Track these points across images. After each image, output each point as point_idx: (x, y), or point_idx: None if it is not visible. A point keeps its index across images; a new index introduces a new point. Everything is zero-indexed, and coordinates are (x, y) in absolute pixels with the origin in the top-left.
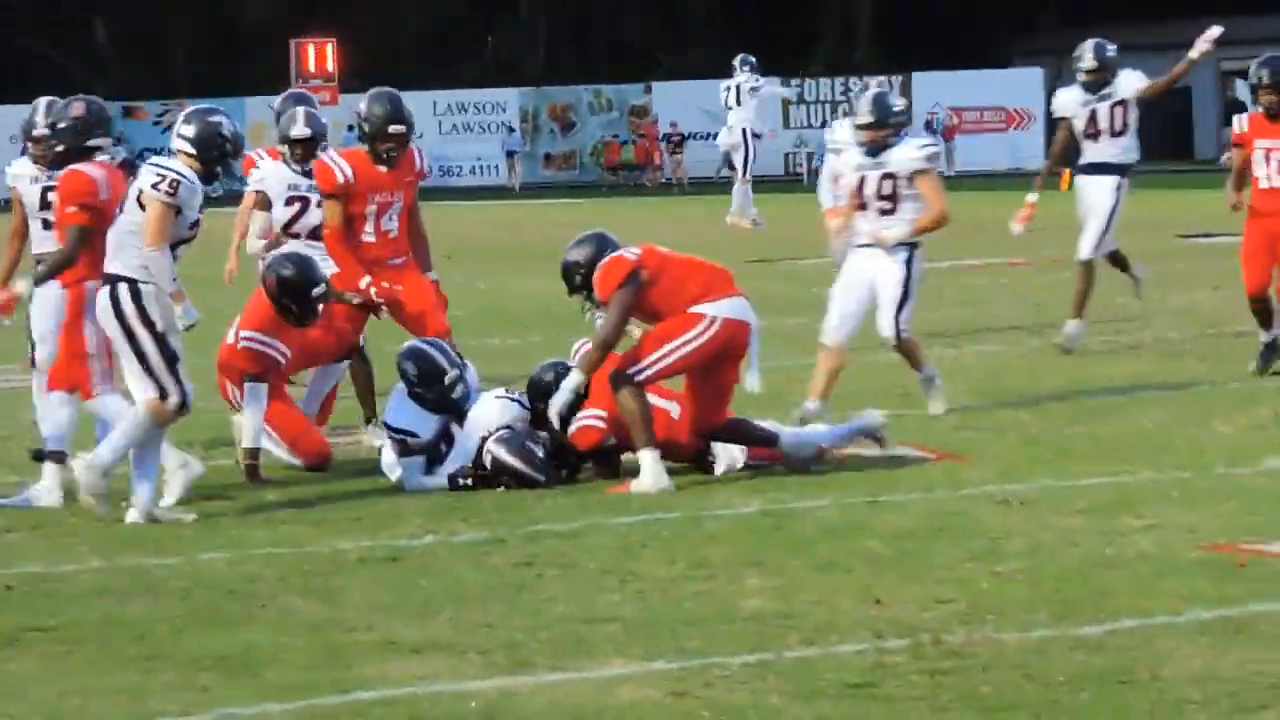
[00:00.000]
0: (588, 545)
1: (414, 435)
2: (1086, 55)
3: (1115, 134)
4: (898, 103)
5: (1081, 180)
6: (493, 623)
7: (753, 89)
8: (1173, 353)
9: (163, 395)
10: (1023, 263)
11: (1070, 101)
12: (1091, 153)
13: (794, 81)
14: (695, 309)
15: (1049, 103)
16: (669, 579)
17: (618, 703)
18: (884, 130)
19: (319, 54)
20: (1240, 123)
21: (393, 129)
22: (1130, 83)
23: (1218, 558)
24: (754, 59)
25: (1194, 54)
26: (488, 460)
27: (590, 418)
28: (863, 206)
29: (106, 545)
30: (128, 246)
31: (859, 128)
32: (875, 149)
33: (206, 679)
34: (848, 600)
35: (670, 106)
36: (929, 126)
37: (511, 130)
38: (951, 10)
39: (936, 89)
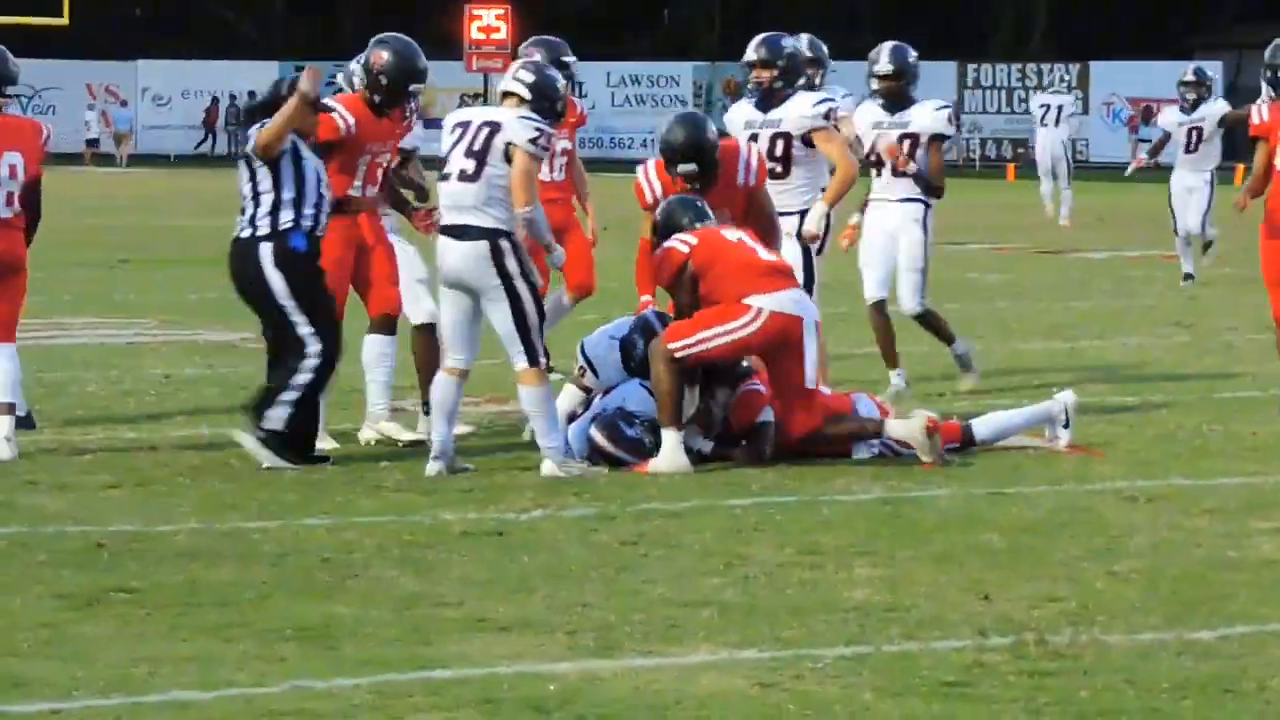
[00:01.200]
0: (697, 526)
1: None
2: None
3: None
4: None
5: None
6: (588, 602)
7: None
8: None
9: (533, 359)
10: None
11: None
12: None
13: (970, 67)
14: (746, 300)
15: (1228, 96)
16: (775, 564)
17: (699, 692)
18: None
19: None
20: (1260, 111)
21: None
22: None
23: None
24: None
25: None
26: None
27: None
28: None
29: (208, 507)
30: (497, 200)
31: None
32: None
33: (284, 649)
34: (956, 594)
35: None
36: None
37: (684, 104)
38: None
39: (1115, 80)
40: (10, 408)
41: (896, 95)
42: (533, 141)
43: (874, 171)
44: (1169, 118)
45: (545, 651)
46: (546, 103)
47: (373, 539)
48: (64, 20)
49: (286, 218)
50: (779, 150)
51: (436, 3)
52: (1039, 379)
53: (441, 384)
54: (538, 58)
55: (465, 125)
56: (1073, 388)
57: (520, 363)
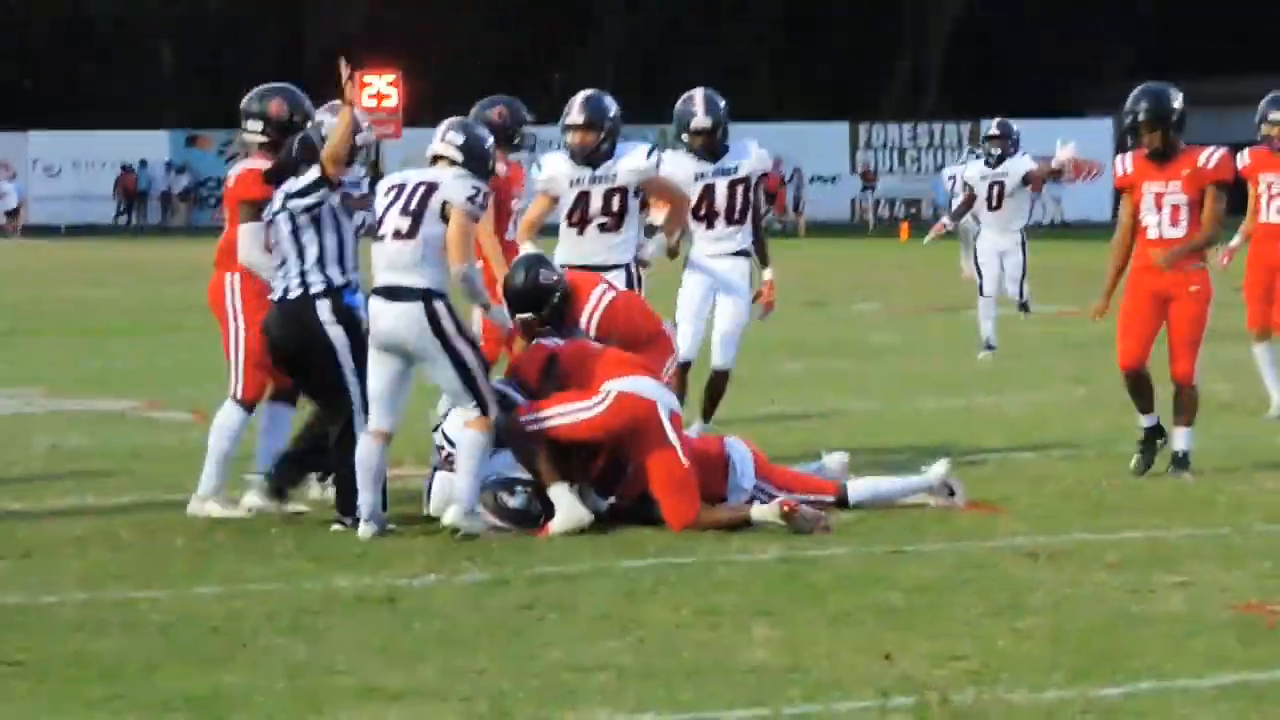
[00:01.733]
0: (593, 588)
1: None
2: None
3: None
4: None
5: None
6: (482, 669)
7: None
8: (1223, 406)
9: (484, 410)
10: (1074, 311)
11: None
12: None
13: (862, 127)
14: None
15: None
16: (672, 626)
17: None
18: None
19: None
20: (1123, 163)
21: None
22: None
23: (1249, 618)
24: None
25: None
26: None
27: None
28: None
29: (94, 576)
30: (433, 260)
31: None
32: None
33: None
34: (857, 654)
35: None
36: None
37: None
38: (1020, 59)
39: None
40: None
41: (715, 146)
42: (470, 200)
43: (704, 225)
44: (972, 172)
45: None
46: (477, 162)
47: (263, 607)
48: None
49: (337, 273)
50: (614, 205)
51: (326, 69)
52: (935, 436)
53: (368, 448)
54: (467, 118)
55: (400, 187)
56: (970, 444)
57: (474, 414)
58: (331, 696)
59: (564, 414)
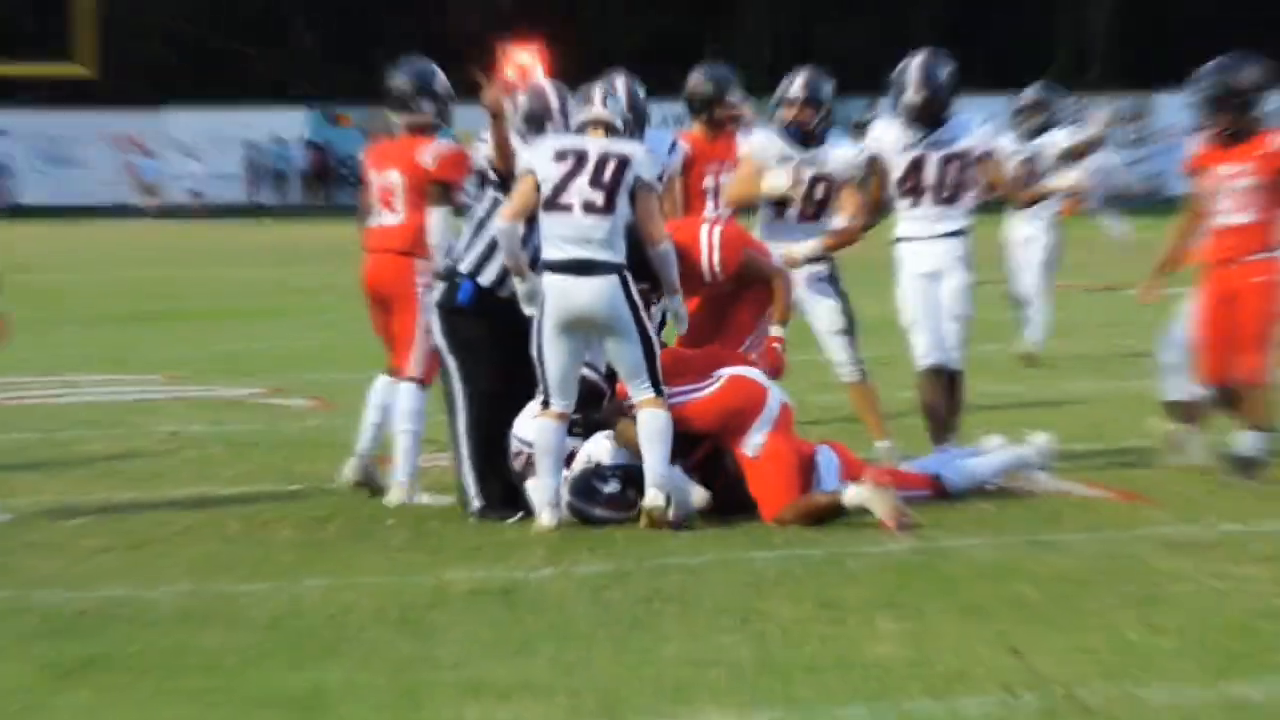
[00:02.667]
0: (715, 581)
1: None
2: None
3: None
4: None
5: None
6: (594, 663)
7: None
8: None
9: (659, 389)
10: None
11: None
12: None
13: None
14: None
15: None
16: (794, 620)
17: None
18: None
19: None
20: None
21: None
22: None
23: None
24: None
25: None
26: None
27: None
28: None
29: (202, 569)
30: (621, 236)
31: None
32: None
33: (267, 718)
34: (984, 649)
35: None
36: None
37: None
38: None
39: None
40: None
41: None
42: (658, 179)
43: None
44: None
45: (544, 715)
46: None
47: (371, 600)
48: (89, 71)
49: (470, 261)
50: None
51: (477, 44)
52: (1084, 421)
53: (549, 430)
54: (620, 82)
55: (578, 155)
56: (1119, 430)
57: (648, 394)
58: (434, 692)
59: (673, 395)
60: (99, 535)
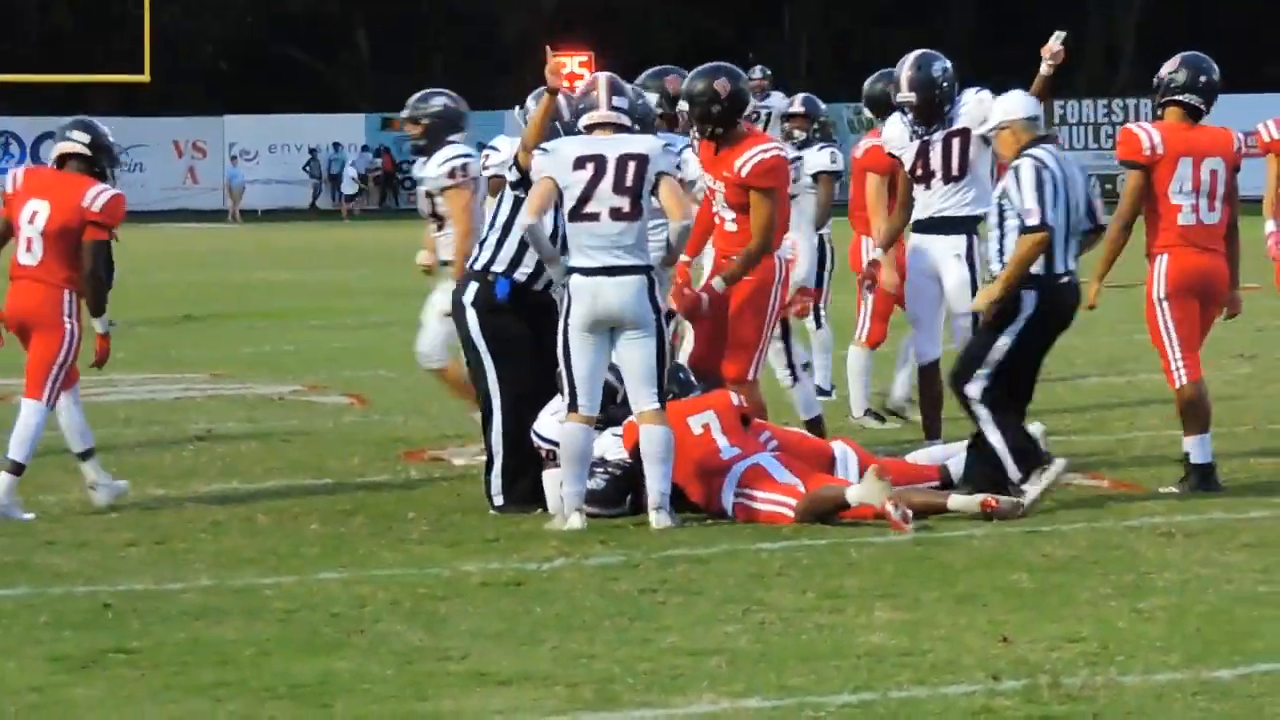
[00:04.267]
0: (721, 571)
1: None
2: None
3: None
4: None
5: None
6: (595, 653)
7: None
8: None
9: (663, 400)
10: (1255, 287)
11: None
12: None
13: (1056, 104)
14: None
15: None
16: (794, 609)
17: None
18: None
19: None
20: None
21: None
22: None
23: None
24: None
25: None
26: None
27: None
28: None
29: (224, 563)
30: (645, 236)
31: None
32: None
33: (275, 708)
34: (975, 637)
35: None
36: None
37: None
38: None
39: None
40: (17, 466)
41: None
42: (677, 166)
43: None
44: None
45: (542, 705)
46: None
47: (387, 593)
48: (145, 78)
49: (499, 260)
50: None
51: (523, 50)
52: (1093, 414)
53: (578, 434)
54: (615, 77)
55: (597, 160)
56: (1128, 421)
57: (652, 404)
58: (439, 682)
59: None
60: (125, 531)
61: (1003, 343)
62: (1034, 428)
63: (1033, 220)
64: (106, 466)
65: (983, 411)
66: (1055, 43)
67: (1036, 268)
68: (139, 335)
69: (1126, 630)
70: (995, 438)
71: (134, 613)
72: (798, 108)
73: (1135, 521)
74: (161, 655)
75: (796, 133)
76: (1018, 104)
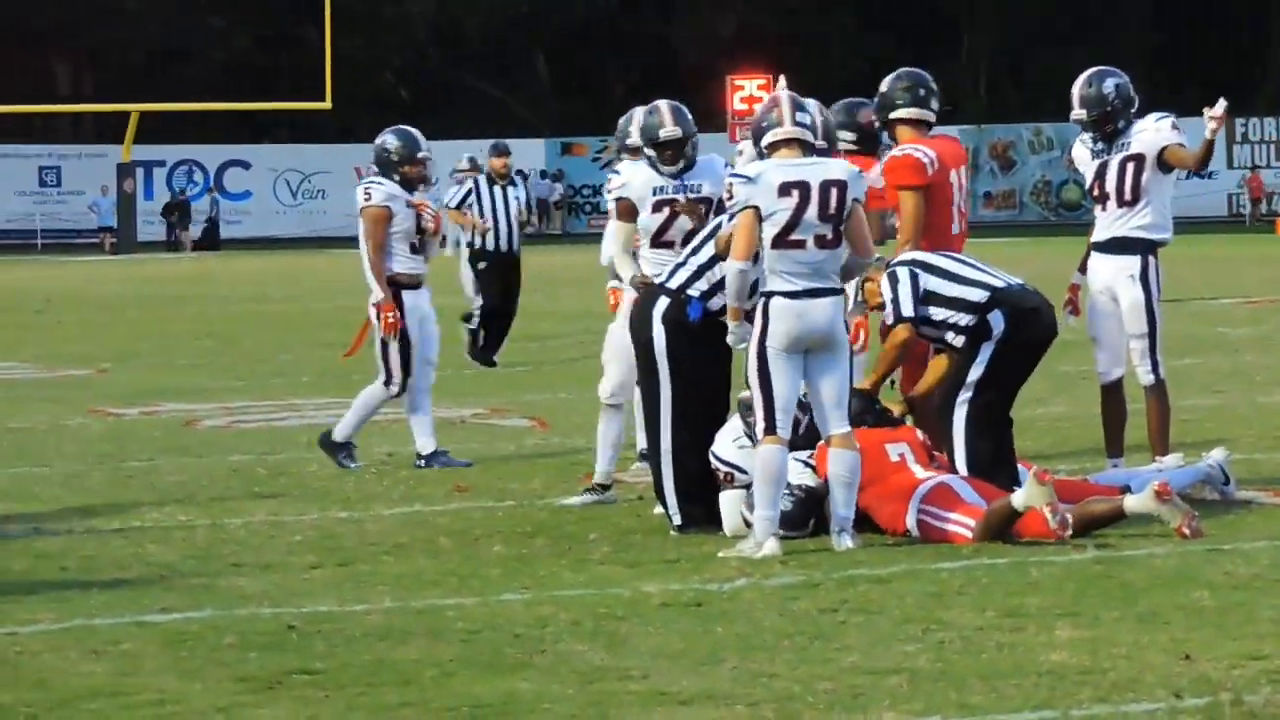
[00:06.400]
0: (901, 591)
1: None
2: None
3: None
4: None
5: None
6: (776, 673)
7: None
8: None
9: (853, 422)
10: None
11: None
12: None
13: (1239, 121)
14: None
15: None
16: (974, 628)
17: None
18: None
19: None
20: None
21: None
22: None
23: None
24: None
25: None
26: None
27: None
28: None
29: (407, 584)
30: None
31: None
32: None
33: None
34: (1157, 655)
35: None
36: None
37: None
38: None
39: None
40: None
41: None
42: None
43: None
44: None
45: None
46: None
47: (569, 613)
48: (327, 104)
49: (698, 283)
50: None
51: (702, 75)
52: (1277, 432)
53: (773, 456)
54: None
55: (802, 186)
56: None
57: (843, 427)
58: (620, 701)
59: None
60: (308, 553)
61: (980, 361)
62: (1217, 452)
63: (888, 322)
64: (289, 490)
65: (960, 432)
66: (1219, 109)
67: (982, 292)
68: (321, 359)
69: None
70: (960, 458)
71: (318, 634)
72: None
73: None
74: (345, 676)
75: None
76: None
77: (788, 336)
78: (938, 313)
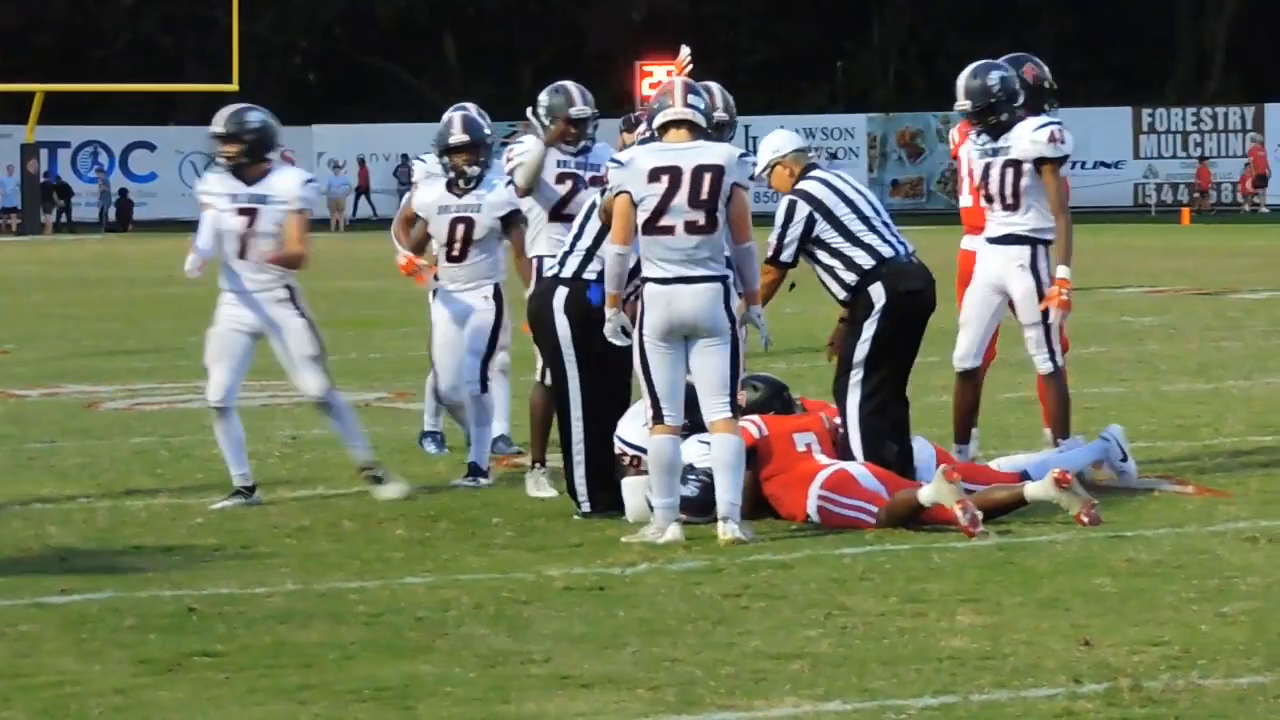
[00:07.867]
0: (804, 576)
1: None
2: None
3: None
4: None
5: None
6: (677, 657)
7: None
8: None
9: (734, 408)
10: None
11: None
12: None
13: (1145, 112)
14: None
15: None
16: (877, 614)
17: None
18: None
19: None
20: None
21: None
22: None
23: None
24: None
25: None
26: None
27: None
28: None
29: (309, 567)
30: (721, 246)
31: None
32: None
33: (359, 711)
34: (1057, 641)
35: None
36: None
37: (857, 156)
38: None
39: None
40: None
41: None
42: (751, 179)
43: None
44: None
45: (624, 708)
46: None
47: (471, 597)
48: (234, 86)
49: (592, 264)
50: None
51: (611, 60)
52: (1176, 420)
53: (666, 445)
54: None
55: (672, 172)
56: (1211, 426)
57: (724, 413)
58: (522, 684)
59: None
60: (210, 536)
61: (865, 339)
62: (1113, 428)
63: (768, 254)
64: (193, 472)
65: (854, 424)
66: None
67: (870, 259)
68: None
69: (1209, 634)
70: (855, 439)
71: (219, 616)
72: None
73: (1219, 527)
74: (246, 659)
75: None
76: (784, 140)
77: (659, 325)
78: (824, 257)
